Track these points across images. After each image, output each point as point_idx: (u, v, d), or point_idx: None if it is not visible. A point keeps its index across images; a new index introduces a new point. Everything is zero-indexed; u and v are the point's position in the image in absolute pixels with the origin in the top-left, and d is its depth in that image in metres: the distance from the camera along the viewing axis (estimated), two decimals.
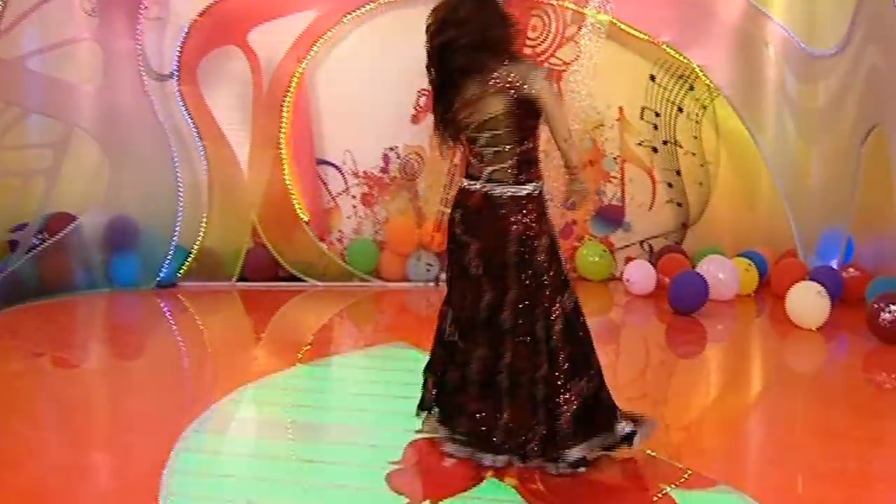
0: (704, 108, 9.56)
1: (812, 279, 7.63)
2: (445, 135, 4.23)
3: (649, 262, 9.04)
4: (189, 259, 8.66)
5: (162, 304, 8.10)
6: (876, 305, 6.74)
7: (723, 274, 8.26)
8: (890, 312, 6.61)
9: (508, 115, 4.05)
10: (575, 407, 3.97)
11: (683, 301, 7.76)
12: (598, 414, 4.09)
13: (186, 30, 8.49)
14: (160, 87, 8.53)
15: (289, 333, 7.45)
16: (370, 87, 8.63)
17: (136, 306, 8.05)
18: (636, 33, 9.22)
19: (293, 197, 8.76)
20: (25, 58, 7.68)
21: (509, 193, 4.13)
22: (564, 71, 9.07)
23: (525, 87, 4.02)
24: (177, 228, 8.51)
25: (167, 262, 8.48)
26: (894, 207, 7.39)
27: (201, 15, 8.49)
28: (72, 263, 8.13)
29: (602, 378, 4.21)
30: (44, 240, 7.98)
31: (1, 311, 7.30)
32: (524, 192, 4.18)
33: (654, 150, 9.57)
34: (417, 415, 4.35)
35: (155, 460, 4.04)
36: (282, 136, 8.71)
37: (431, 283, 8.66)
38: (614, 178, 9.57)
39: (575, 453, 3.94)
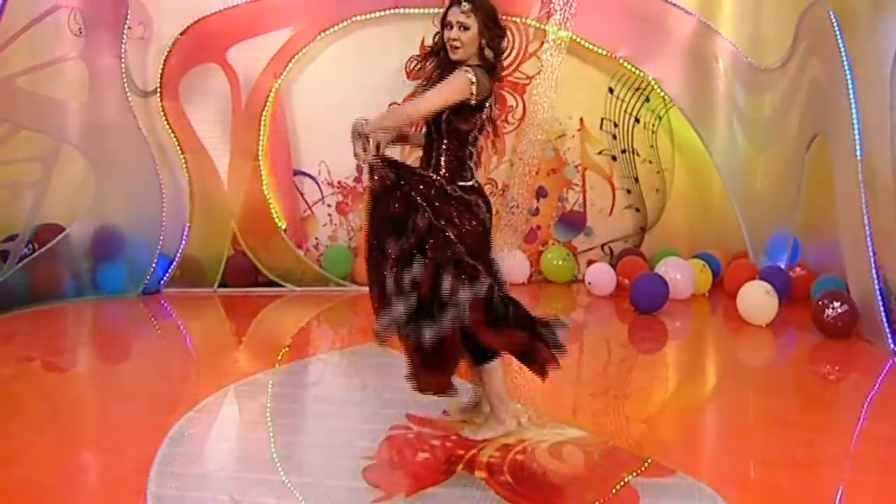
0: (660, 118, 9.62)
1: (762, 278, 7.71)
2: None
3: (609, 264, 9.09)
4: (172, 266, 8.61)
5: (147, 311, 8.06)
6: (821, 302, 6.81)
7: (680, 274, 8.31)
8: (833, 309, 6.69)
9: None
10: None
11: (645, 301, 7.80)
12: None
13: (168, 48, 8.45)
14: (144, 103, 8.49)
15: (268, 336, 7.43)
16: (344, 101, 8.58)
17: (122, 312, 7.99)
18: (595, 48, 9.28)
19: (271, 206, 8.74)
20: (15, 76, 7.61)
21: None
22: (528, 84, 9.10)
23: None
24: (160, 238, 8.45)
25: (152, 269, 8.43)
26: (837, 210, 7.46)
27: (183, 34, 8.45)
28: (60, 272, 8.06)
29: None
30: (33, 250, 7.91)
31: None
32: None
33: (614, 158, 9.62)
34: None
35: (142, 459, 4.01)
36: (260, 148, 8.69)
37: None
38: (576, 185, 9.61)
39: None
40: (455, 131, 4.13)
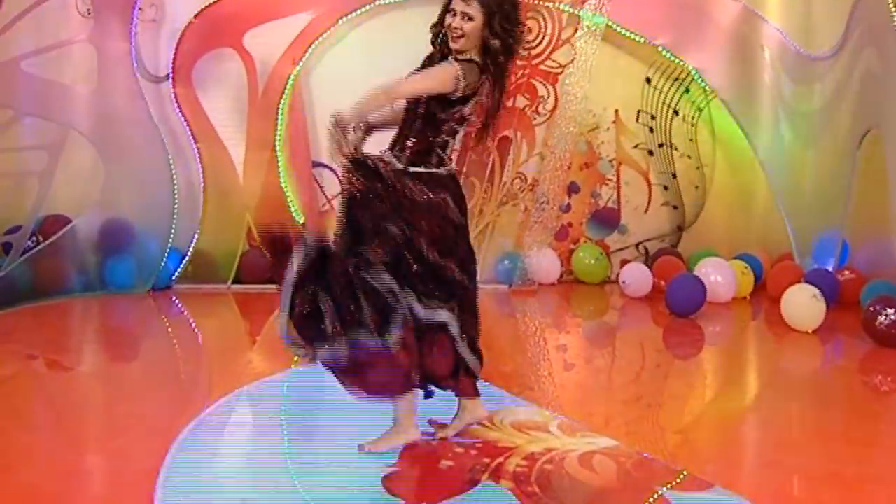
0: (700, 110, 9.58)
1: (808, 282, 7.65)
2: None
3: (645, 264, 9.06)
4: (184, 261, 8.66)
5: (157, 307, 8.11)
6: (872, 308, 6.75)
7: (720, 276, 8.28)
8: (886, 315, 6.62)
9: None
10: None
11: (681, 304, 7.77)
12: None
13: (182, 32, 8.49)
14: (155, 89, 8.54)
15: None
16: (365, 89, 8.61)
17: (131, 309, 8.04)
18: (632, 36, 9.25)
19: (289, 199, 8.76)
20: (20, 59, 7.67)
21: None
22: (560, 73, 9.08)
23: None
24: (172, 231, 8.50)
25: (162, 264, 8.48)
26: (890, 210, 7.39)
27: (196, 17, 8.49)
28: (66, 266, 8.11)
29: None
30: (38, 242, 7.97)
31: None
32: None
33: (650, 152, 9.59)
34: None
35: (150, 464, 4.02)
36: (277, 138, 8.72)
37: None
38: (610, 180, 9.59)
39: None
40: (431, 116, 4.13)
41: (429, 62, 4.28)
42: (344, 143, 4.04)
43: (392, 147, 4.23)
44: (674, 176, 9.63)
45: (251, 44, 8.64)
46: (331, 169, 9.05)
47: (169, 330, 7.72)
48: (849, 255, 8.60)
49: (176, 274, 8.64)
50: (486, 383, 5.29)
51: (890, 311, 6.63)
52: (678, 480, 3.99)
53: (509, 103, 9.05)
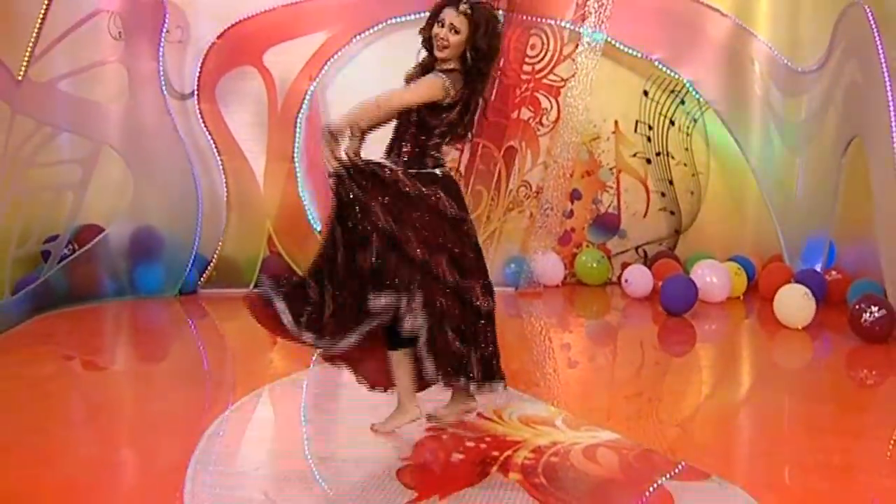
0: (695, 121, 9.58)
1: (797, 282, 7.64)
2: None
3: (647, 266, 9.04)
4: (209, 267, 8.69)
5: (184, 311, 8.13)
6: (858, 306, 6.74)
7: (715, 277, 8.27)
8: (871, 313, 6.61)
9: None
10: None
11: (673, 303, 7.76)
12: None
13: (205, 52, 8.53)
14: (181, 105, 8.57)
15: None
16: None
17: (159, 312, 8.06)
18: (630, 51, 9.25)
19: (306, 208, 8.78)
20: (57, 80, 7.71)
21: None
22: (562, 87, 9.08)
23: None
24: (197, 239, 8.53)
25: (188, 270, 8.50)
26: (874, 213, 7.38)
27: (219, 37, 8.54)
28: (99, 272, 8.14)
29: None
30: (73, 250, 8.00)
31: (34, 317, 7.31)
32: None
33: (648, 161, 9.59)
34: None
35: (179, 457, 4.04)
36: (295, 150, 8.74)
37: None
38: (610, 187, 9.59)
39: None
40: (423, 123, 4.20)
41: (421, 70, 4.34)
42: (337, 150, 4.06)
43: (389, 153, 4.27)
44: (671, 183, 9.62)
45: (271, 62, 8.67)
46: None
47: (195, 332, 7.74)
48: (836, 256, 8.58)
49: (201, 279, 8.68)
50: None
51: (875, 308, 6.62)
52: (677, 471, 3.98)
53: (514, 115, 9.07)
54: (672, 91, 9.50)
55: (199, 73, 8.55)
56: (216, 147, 8.63)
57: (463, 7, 4.11)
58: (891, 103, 6.84)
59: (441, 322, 4.11)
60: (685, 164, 9.64)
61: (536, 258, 9.10)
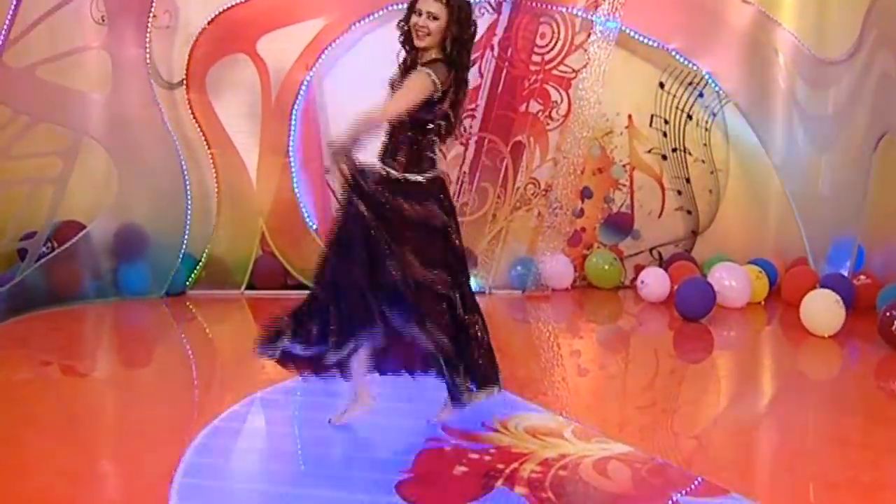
0: (714, 115, 9.56)
1: (823, 287, 7.61)
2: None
3: (663, 269, 9.02)
4: (198, 267, 8.68)
5: (171, 313, 8.12)
6: (888, 313, 6.71)
7: (734, 281, 8.25)
8: None
9: None
10: None
11: (689, 308, 7.75)
12: None
13: (195, 38, 8.52)
14: (169, 95, 8.57)
15: None
16: (379, 93, 8.63)
17: (144, 315, 8.06)
18: (645, 40, 9.24)
19: (302, 205, 8.77)
20: (35, 66, 7.70)
21: None
22: (573, 78, 9.06)
23: None
24: (185, 237, 8.53)
25: (176, 270, 8.50)
26: None
27: (210, 23, 8.52)
28: (80, 272, 8.13)
29: None
30: (52, 248, 8.00)
31: (10, 319, 7.31)
32: None
33: (664, 157, 9.58)
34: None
35: (164, 470, 4.03)
36: (291, 143, 8.73)
37: None
38: (623, 185, 9.57)
39: None
40: (418, 121, 4.40)
41: (405, 69, 4.57)
42: (345, 168, 4.32)
43: (384, 156, 4.44)
44: (687, 181, 9.60)
45: (265, 49, 8.65)
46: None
47: (182, 336, 7.73)
48: (864, 259, 8.56)
49: (189, 280, 8.67)
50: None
51: None
52: (693, 486, 3.97)
53: (522, 108, 9.06)
54: (690, 83, 9.48)
55: (189, 60, 8.53)
56: (206, 139, 8.62)
57: None
58: None
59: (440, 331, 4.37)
60: (703, 161, 9.62)
61: (545, 259, 9.09)
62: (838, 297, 7.17)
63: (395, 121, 4.39)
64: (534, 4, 8.96)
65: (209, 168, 8.66)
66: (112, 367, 6.61)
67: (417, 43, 4.44)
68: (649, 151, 9.58)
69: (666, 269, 8.93)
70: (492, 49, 8.98)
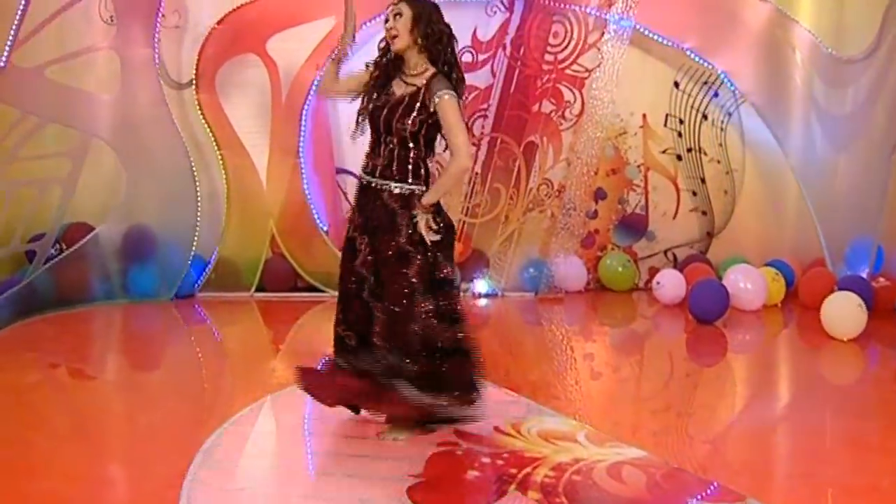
0: (729, 115, 9.54)
1: (841, 289, 7.57)
2: None
3: (679, 271, 9.00)
4: (207, 269, 8.70)
5: (180, 315, 8.15)
6: None
7: (749, 283, 8.22)
8: None
9: None
10: None
11: (704, 310, 7.73)
12: None
13: (204, 38, 8.55)
14: (178, 95, 8.60)
15: (308, 344, 7.45)
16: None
17: (153, 317, 8.09)
18: (660, 39, 9.23)
19: (312, 206, 8.79)
20: (43, 67, 7.73)
21: None
22: (587, 78, 9.05)
23: None
24: (195, 238, 8.55)
25: (185, 272, 8.52)
26: None
27: (219, 23, 8.55)
28: (89, 274, 8.17)
29: None
30: (61, 250, 8.04)
31: (18, 322, 7.35)
32: None
33: (679, 157, 9.56)
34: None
35: (173, 473, 4.03)
36: (301, 144, 8.75)
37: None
38: (637, 186, 9.56)
39: None
40: (430, 140, 4.52)
41: (383, 72, 4.68)
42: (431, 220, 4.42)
43: (390, 175, 4.53)
44: (703, 181, 9.59)
45: (274, 49, 8.68)
46: (354, 175, 9.06)
47: (192, 338, 7.76)
48: (884, 261, 8.52)
49: (199, 282, 8.69)
50: (512, 392, 5.31)
51: None
52: (709, 492, 3.96)
53: (535, 108, 9.05)
54: (705, 82, 9.46)
55: (198, 60, 8.56)
56: (215, 140, 8.65)
57: None
58: None
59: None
60: (718, 161, 9.60)
61: (558, 261, 9.08)
62: (861, 301, 7.13)
63: (404, 143, 4.49)
64: (547, 3, 8.95)
65: (219, 169, 8.69)
66: (121, 370, 6.62)
67: (393, 47, 4.53)
68: (664, 152, 9.56)
69: (681, 271, 8.90)
70: (504, 48, 8.98)
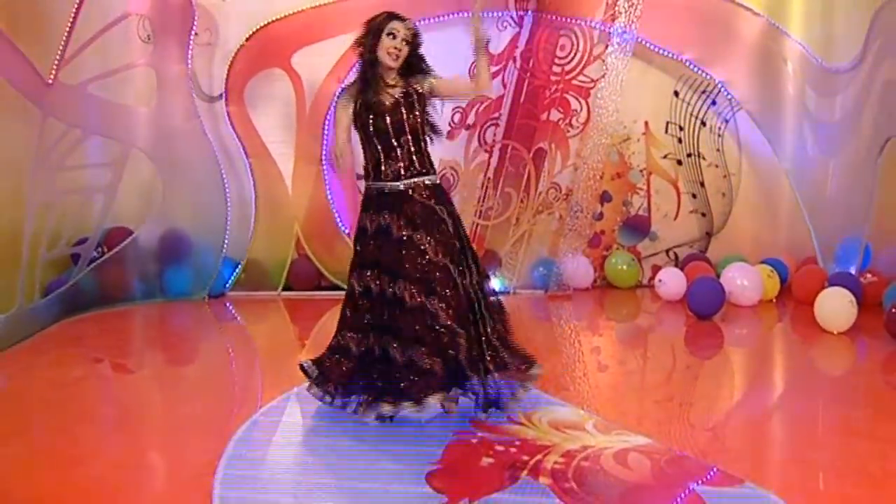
0: (726, 121, 9.52)
1: (832, 285, 7.55)
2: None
3: (679, 269, 8.98)
4: (237, 270, 8.74)
5: (212, 313, 8.18)
6: (894, 310, 6.65)
7: (745, 280, 8.21)
8: None
9: None
10: None
11: (701, 305, 7.72)
12: None
13: (234, 54, 8.60)
14: (210, 108, 8.65)
15: (331, 339, 7.46)
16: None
17: (188, 315, 8.13)
18: (660, 51, 9.21)
19: (334, 210, 8.81)
20: (87, 83, 7.80)
21: None
22: (592, 88, 9.04)
23: None
24: (226, 241, 8.59)
25: (217, 273, 8.56)
26: None
27: (248, 40, 8.60)
28: (128, 275, 8.24)
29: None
30: (103, 253, 8.09)
31: (64, 320, 7.41)
32: None
33: (679, 162, 9.54)
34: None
35: (207, 461, 4.07)
36: (323, 153, 8.77)
37: None
38: (641, 189, 9.54)
39: None
40: (432, 124, 4.78)
41: (365, 83, 4.73)
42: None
43: (416, 171, 4.65)
44: (702, 184, 9.56)
45: (299, 64, 8.72)
46: None
47: (224, 334, 7.78)
48: (871, 258, 8.49)
49: (230, 282, 8.73)
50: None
51: None
52: (709, 476, 3.96)
53: (544, 116, 9.05)
54: (703, 91, 9.44)
55: (228, 75, 8.61)
56: (244, 149, 8.69)
57: (406, 20, 4.73)
58: None
59: None
60: (716, 166, 9.58)
61: (566, 261, 9.08)
62: (852, 297, 7.10)
63: (417, 133, 4.67)
64: (554, 18, 8.95)
65: (247, 176, 8.73)
66: (158, 365, 6.65)
67: (392, 64, 4.67)
68: (665, 157, 9.55)
69: (682, 269, 8.89)
70: (514, 61, 8.98)
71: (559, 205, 9.20)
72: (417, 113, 4.63)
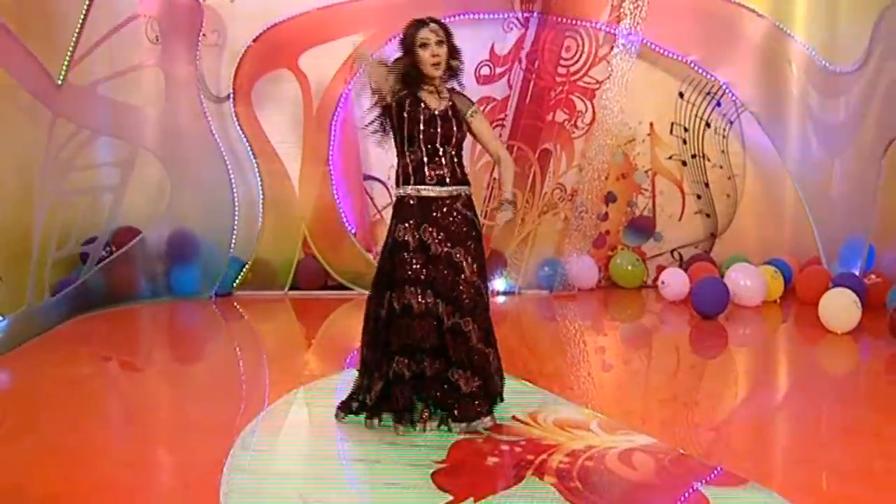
0: (731, 123, 9.51)
1: (835, 285, 7.54)
2: None
3: (683, 269, 8.98)
4: (244, 269, 8.75)
5: (220, 312, 8.19)
6: None
7: (749, 281, 8.19)
8: None
9: None
10: None
11: (706, 306, 7.70)
12: None
13: (241, 55, 8.60)
14: (217, 108, 8.66)
15: (338, 339, 7.49)
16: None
17: (195, 314, 8.14)
18: (665, 53, 9.21)
19: (341, 210, 8.81)
20: (96, 84, 7.82)
21: None
22: (597, 89, 9.04)
23: None
24: (233, 241, 8.60)
25: (224, 272, 8.57)
26: None
27: (255, 41, 8.61)
28: (136, 274, 8.26)
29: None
30: (111, 252, 8.11)
31: (73, 318, 7.42)
32: None
33: (684, 163, 9.54)
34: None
35: (214, 458, 4.06)
36: (330, 153, 8.78)
37: None
38: (646, 190, 9.54)
39: None
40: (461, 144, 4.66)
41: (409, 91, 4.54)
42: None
43: (456, 181, 4.58)
44: (706, 185, 9.56)
45: (306, 65, 8.73)
46: (380, 182, 9.10)
47: (231, 333, 7.79)
48: (875, 259, 8.47)
49: (237, 281, 8.74)
50: (529, 383, 5.31)
51: None
52: (713, 476, 3.95)
53: (549, 117, 9.05)
54: (708, 93, 9.44)
55: (235, 76, 8.62)
56: (252, 150, 8.70)
57: (431, 22, 4.57)
58: None
59: None
60: (721, 167, 9.57)
61: (571, 261, 9.07)
62: (856, 298, 7.09)
63: (455, 147, 4.59)
64: (559, 19, 8.94)
65: (255, 176, 8.74)
66: (166, 363, 6.66)
67: (435, 73, 4.50)
68: (670, 158, 9.55)
69: (686, 270, 8.88)
70: (520, 62, 8.98)
71: (564, 205, 9.19)
72: (464, 129, 4.59)
